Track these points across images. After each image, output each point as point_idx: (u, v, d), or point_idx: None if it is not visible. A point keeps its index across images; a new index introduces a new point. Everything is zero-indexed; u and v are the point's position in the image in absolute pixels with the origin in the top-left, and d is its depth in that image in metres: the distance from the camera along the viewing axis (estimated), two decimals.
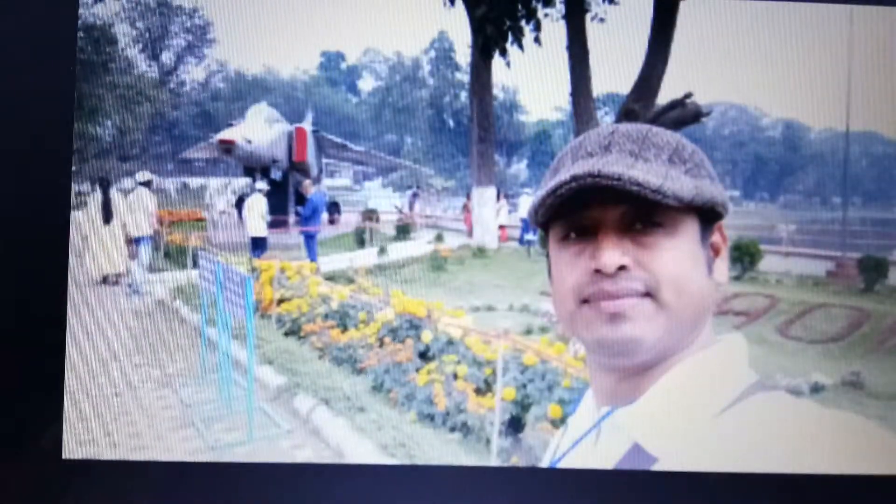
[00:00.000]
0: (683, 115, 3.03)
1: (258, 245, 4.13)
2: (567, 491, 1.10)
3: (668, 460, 0.64)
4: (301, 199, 4.55)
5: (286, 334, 3.59)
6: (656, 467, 0.65)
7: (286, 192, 4.60)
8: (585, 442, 0.71)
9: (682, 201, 0.61)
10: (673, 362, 0.66)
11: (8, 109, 1.09)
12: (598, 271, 0.63)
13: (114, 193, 3.56)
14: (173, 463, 1.17)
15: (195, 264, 3.58)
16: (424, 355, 3.12)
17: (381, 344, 3.28)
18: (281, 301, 3.80)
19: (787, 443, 0.61)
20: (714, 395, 0.64)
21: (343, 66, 4.50)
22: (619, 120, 3.30)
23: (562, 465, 0.73)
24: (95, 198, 3.48)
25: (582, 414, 0.74)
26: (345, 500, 1.12)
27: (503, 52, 3.18)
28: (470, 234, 4.62)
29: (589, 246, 0.64)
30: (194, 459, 1.15)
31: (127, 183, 3.66)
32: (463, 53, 3.81)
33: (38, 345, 1.11)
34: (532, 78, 2.15)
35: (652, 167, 0.62)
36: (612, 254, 0.62)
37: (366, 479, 1.13)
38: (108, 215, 3.51)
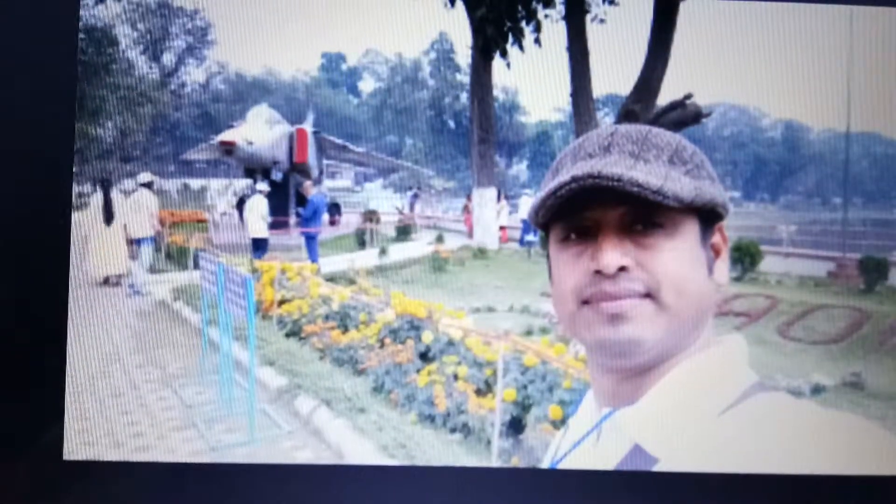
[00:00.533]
0: (683, 116, 3.03)
1: (259, 246, 4.14)
2: (568, 492, 1.10)
3: (669, 461, 0.65)
4: (302, 200, 4.54)
5: (287, 335, 3.59)
6: (657, 468, 0.65)
7: (287, 194, 4.59)
8: (586, 443, 0.71)
9: (682, 202, 0.61)
10: (674, 363, 0.66)
11: (9, 110, 1.09)
12: (598, 272, 0.63)
13: (115, 194, 3.56)
14: (174, 464, 1.17)
15: (196, 265, 3.57)
16: (425, 356, 3.13)
17: (382, 345, 3.28)
18: (282, 302, 3.80)
19: (787, 444, 0.61)
20: (715, 396, 0.64)
21: (343, 67, 4.50)
22: (619, 121, 3.30)
23: (562, 466, 0.73)
24: (97, 199, 3.50)
25: (582, 415, 0.74)
26: (344, 502, 1.12)
27: (503, 54, 3.19)
28: (470, 235, 4.64)
29: (589, 247, 0.64)
30: (195, 460, 1.15)
31: (128, 184, 3.66)
32: (463, 54, 3.81)
33: (39, 345, 1.11)
34: (532, 79, 2.15)
35: (652, 168, 0.62)
36: (613, 255, 0.62)
37: (365, 480, 1.13)
38: (109, 216, 3.51)
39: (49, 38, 1.10)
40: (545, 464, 0.77)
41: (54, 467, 1.12)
